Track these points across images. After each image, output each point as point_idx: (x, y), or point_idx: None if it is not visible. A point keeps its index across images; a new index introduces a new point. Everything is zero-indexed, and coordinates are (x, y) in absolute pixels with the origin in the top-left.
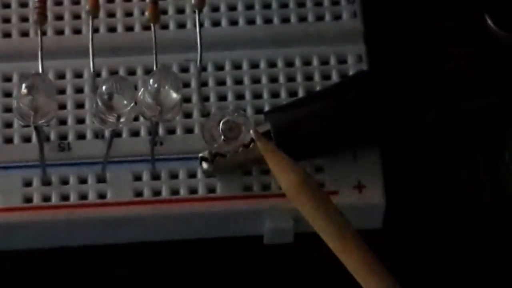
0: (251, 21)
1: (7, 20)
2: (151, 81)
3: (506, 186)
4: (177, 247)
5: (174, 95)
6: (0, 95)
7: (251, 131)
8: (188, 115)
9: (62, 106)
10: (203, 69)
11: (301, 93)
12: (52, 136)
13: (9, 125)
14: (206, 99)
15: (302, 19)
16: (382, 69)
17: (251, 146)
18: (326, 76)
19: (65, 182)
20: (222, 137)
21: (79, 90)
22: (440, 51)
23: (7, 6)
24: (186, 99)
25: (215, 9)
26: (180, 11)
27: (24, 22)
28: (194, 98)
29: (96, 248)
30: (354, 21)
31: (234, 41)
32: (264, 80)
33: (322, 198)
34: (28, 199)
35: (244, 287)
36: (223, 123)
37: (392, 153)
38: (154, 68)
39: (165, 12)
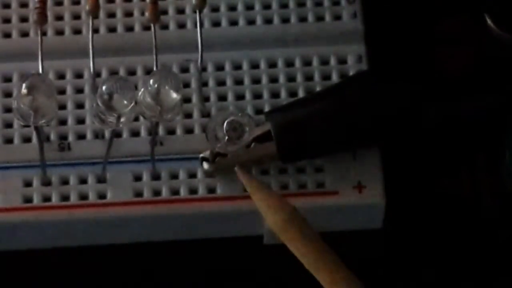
0: (251, 21)
1: (7, 20)
2: (151, 81)
3: (506, 186)
4: (177, 247)
5: (174, 95)
6: (0, 95)
7: (235, 169)
8: (188, 115)
9: (62, 106)
10: (203, 69)
11: (301, 93)
12: (52, 136)
13: (9, 125)
14: (206, 99)
15: (302, 19)
16: (382, 69)
17: (251, 146)
18: (326, 76)
19: (65, 182)
20: (226, 137)
21: (79, 90)
22: (440, 51)
23: (7, 6)
24: (186, 99)
25: (215, 9)
26: (180, 11)
27: (24, 22)
28: (194, 98)
29: (96, 248)
30: (354, 21)
31: (234, 41)
32: (264, 80)
33: (309, 234)
34: (28, 199)
35: (244, 287)
36: (227, 123)
37: (392, 153)
38: (154, 68)
39: (165, 12)
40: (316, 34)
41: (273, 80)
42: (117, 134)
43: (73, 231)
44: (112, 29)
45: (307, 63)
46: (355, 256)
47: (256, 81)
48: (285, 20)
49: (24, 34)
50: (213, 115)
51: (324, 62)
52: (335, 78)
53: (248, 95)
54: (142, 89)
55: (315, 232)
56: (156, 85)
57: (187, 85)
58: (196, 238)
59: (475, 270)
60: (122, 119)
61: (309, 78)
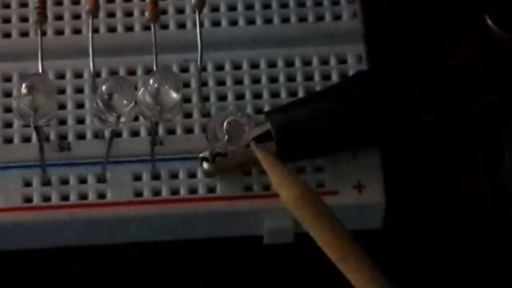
0: (251, 21)
1: (7, 20)
2: (151, 81)
3: (506, 186)
4: (177, 247)
5: (174, 95)
6: (0, 95)
7: (251, 143)
8: (188, 115)
9: (62, 106)
10: (203, 69)
11: (301, 93)
12: (52, 136)
13: (9, 125)
14: (206, 99)
15: (302, 19)
16: (382, 69)
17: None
18: (326, 76)
19: (65, 182)
20: (226, 137)
21: (79, 90)
22: (440, 51)
23: (7, 6)
24: (186, 99)
25: (215, 9)
26: (180, 11)
27: (24, 22)
28: (194, 98)
29: (96, 248)
30: (354, 21)
31: (234, 41)
32: (264, 80)
33: (323, 211)
34: (28, 199)
35: (244, 287)
36: (227, 123)
37: (392, 153)
38: (154, 68)
39: (165, 12)
40: (316, 34)
41: (273, 80)
42: (117, 134)
43: (73, 231)
44: (112, 29)
45: (307, 63)
46: None
47: (256, 81)
48: (285, 20)
49: (24, 34)
50: (213, 115)
51: (324, 62)
52: (335, 78)
53: (248, 95)
54: (142, 89)
55: (329, 209)
56: (156, 85)
57: (187, 85)
58: (196, 238)
59: (475, 270)
60: (122, 119)
61: (309, 78)
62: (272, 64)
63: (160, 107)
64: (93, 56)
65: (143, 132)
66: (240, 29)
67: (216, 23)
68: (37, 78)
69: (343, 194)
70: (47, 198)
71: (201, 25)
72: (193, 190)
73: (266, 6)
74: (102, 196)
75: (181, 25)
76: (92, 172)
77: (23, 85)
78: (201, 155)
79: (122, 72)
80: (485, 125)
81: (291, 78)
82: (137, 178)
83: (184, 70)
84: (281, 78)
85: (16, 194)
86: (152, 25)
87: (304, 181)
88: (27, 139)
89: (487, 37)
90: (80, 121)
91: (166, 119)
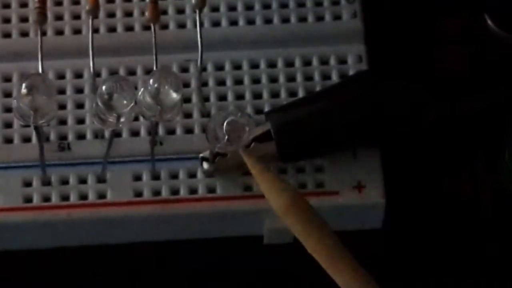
0: (251, 21)
1: (7, 20)
2: (151, 81)
3: (506, 186)
4: (177, 247)
5: (174, 95)
6: (0, 95)
7: (240, 151)
8: (188, 115)
9: (62, 106)
10: (203, 69)
11: (301, 93)
12: (52, 136)
13: (9, 125)
14: (206, 99)
15: (302, 19)
16: (382, 69)
17: (251, 146)
18: (326, 76)
19: (65, 182)
20: (226, 137)
21: (79, 90)
22: (440, 51)
23: (7, 6)
24: (186, 99)
25: (215, 9)
26: (180, 11)
27: (24, 22)
28: (194, 98)
29: (96, 248)
30: (354, 21)
31: (234, 41)
32: (264, 80)
33: (312, 218)
34: (28, 199)
35: (244, 287)
36: (227, 123)
37: (392, 153)
38: (154, 68)
39: (165, 12)
40: (316, 34)
41: (273, 80)
42: (117, 134)
43: (73, 231)
44: (112, 29)
45: (307, 63)
46: (355, 256)
47: (256, 81)
48: (285, 20)
49: (24, 34)
50: (213, 115)
51: (324, 62)
52: (335, 78)
53: (248, 95)
54: (142, 89)
55: (320, 216)
56: (156, 85)
57: (187, 85)
58: (196, 238)
59: (475, 270)
60: (122, 119)
61: (309, 78)
62: (272, 64)
63: (160, 107)
64: (93, 56)
65: (143, 132)
66: (240, 29)
67: (216, 23)
68: (37, 78)
69: (343, 194)
70: (47, 198)
71: (201, 25)
72: (193, 190)
73: (266, 6)
74: (102, 196)
75: (181, 25)
76: (92, 172)
77: (23, 85)
78: (201, 155)
79: (122, 72)
80: (485, 125)
81: (291, 78)
82: (137, 178)
83: (184, 70)
84: (281, 78)
85: (16, 194)
86: (152, 25)
87: (294, 188)
88: (27, 139)
89: (487, 37)
90: (80, 121)
91: (166, 119)
